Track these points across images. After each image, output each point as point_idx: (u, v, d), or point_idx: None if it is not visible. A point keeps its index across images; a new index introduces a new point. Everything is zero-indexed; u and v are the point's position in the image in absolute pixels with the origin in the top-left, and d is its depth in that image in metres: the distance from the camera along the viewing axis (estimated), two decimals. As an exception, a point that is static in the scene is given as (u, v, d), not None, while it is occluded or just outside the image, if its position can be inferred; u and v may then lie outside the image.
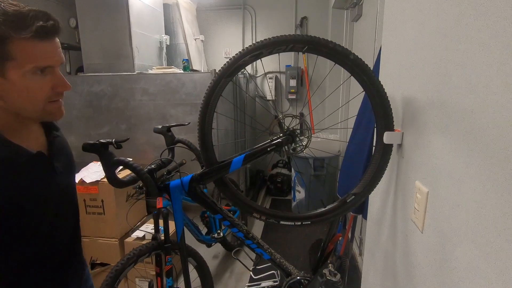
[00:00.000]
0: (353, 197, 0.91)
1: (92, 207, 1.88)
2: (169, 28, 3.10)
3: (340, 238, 2.15)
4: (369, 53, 2.16)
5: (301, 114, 3.57)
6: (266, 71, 3.63)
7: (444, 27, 0.61)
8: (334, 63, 0.85)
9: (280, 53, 0.88)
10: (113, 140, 0.83)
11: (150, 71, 2.57)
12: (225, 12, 3.61)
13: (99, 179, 1.85)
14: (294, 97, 3.54)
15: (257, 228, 2.76)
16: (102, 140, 0.84)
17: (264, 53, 0.85)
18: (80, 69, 2.81)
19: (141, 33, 2.66)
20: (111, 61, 2.58)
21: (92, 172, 1.91)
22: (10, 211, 0.56)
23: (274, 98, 3.63)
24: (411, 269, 0.77)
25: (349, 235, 2.12)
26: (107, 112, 2.52)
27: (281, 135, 0.94)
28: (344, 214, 1.05)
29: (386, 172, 0.90)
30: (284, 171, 3.59)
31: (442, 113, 0.62)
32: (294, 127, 0.94)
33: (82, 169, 1.94)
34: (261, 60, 0.88)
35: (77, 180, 1.80)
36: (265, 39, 0.84)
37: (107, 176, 0.89)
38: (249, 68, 3.61)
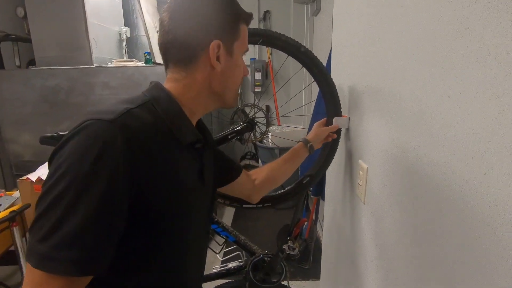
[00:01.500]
0: (308, 178, 1.00)
1: (53, 206, 1.81)
2: (129, 20, 2.99)
3: (305, 222, 2.28)
4: (328, 46, 2.28)
5: (267, 107, 3.66)
6: (231, 64, 3.65)
7: (375, 27, 0.70)
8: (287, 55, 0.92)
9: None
10: (73, 132, 0.83)
11: (110, 64, 2.48)
12: (188, 4, 3.56)
13: (59, 177, 1.79)
14: (259, 89, 3.61)
15: (227, 219, 2.82)
16: (61, 132, 0.84)
17: (221, 45, 0.89)
18: (32, 63, 2.63)
19: (99, 24, 2.55)
20: (66, 54, 2.45)
21: (51, 170, 1.83)
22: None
23: (240, 91, 3.67)
24: (357, 237, 0.87)
25: (313, 218, 2.26)
26: (65, 107, 2.40)
27: (241, 123, 0.99)
28: (302, 194, 1.13)
29: (337, 154, 1.00)
30: (252, 162, 3.66)
31: (374, 98, 0.71)
32: (254, 116, 1.00)
33: (39, 167, 1.85)
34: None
35: (34, 179, 1.72)
36: (222, 32, 0.89)
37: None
38: (214, 61, 3.60)
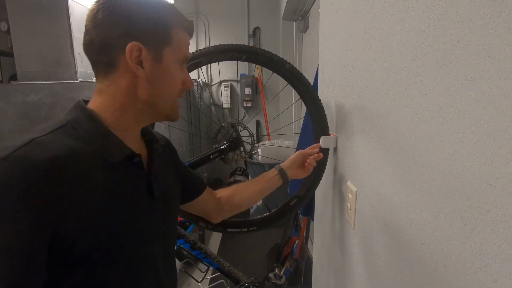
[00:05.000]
0: (296, 200, 0.94)
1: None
2: (117, 35, 2.97)
3: (296, 241, 2.20)
4: (316, 63, 2.29)
5: (257, 122, 3.64)
6: (221, 80, 3.64)
7: (358, 45, 0.67)
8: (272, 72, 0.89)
9: (221, 62, 0.90)
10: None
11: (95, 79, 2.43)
12: (178, 20, 3.57)
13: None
14: (249, 105, 3.59)
15: (214, 240, 2.72)
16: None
17: (203, 61, 0.86)
18: (14, 77, 2.56)
19: (85, 39, 2.51)
20: (49, 69, 2.39)
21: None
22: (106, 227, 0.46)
23: (230, 106, 3.65)
24: (346, 263, 0.81)
25: (304, 236, 2.19)
26: (46, 124, 2.32)
27: (224, 142, 0.95)
28: (289, 216, 1.08)
29: (325, 175, 0.96)
30: (242, 178, 3.59)
31: (360, 117, 0.68)
32: (236, 134, 0.96)
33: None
34: (208, 67, 0.89)
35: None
36: (204, 48, 0.85)
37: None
38: (203, 77, 3.59)
